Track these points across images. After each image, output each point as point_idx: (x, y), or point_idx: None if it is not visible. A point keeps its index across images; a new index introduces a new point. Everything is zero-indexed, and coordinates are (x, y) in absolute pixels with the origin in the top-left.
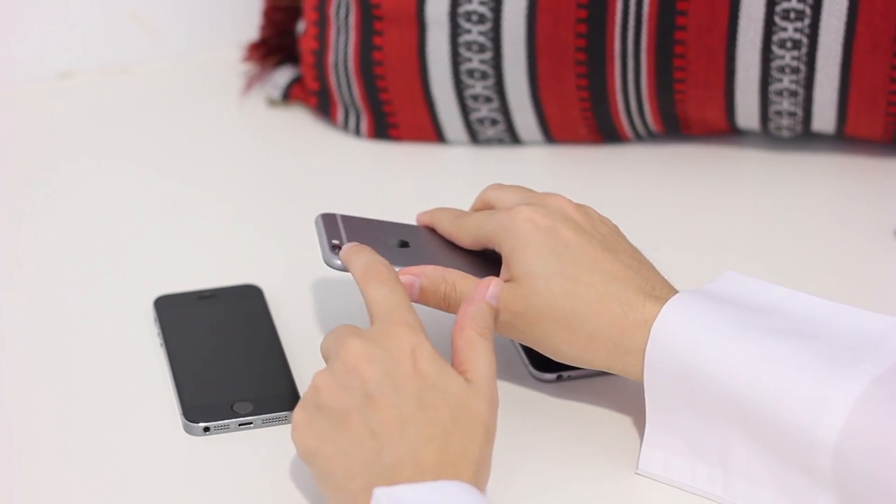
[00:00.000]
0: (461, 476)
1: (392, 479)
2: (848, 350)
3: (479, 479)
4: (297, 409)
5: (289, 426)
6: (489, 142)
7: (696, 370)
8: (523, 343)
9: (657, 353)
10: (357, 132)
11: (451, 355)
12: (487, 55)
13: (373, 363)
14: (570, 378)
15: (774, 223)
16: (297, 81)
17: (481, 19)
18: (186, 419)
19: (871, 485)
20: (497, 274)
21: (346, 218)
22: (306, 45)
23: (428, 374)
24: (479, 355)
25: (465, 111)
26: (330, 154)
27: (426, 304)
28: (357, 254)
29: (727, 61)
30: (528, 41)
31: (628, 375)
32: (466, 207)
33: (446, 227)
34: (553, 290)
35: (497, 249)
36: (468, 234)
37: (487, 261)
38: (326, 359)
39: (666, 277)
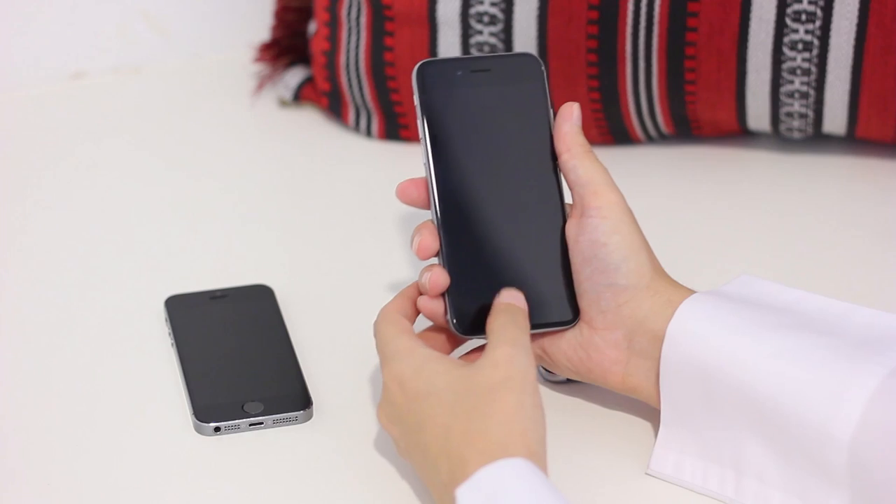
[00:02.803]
0: (489, 457)
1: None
2: (862, 346)
3: (525, 442)
4: None
5: (299, 426)
6: None
7: (712, 368)
8: None
9: (673, 352)
10: (368, 133)
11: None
12: None
13: (386, 418)
14: (580, 381)
15: (785, 224)
16: (308, 82)
17: (493, 20)
18: (197, 419)
19: (887, 479)
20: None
21: None
22: (317, 46)
23: (417, 392)
24: (500, 326)
25: None
26: (341, 155)
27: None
28: None
29: (738, 63)
30: (539, 42)
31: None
32: None
33: None
34: None
35: None
36: None
37: None
38: None
39: (677, 278)
